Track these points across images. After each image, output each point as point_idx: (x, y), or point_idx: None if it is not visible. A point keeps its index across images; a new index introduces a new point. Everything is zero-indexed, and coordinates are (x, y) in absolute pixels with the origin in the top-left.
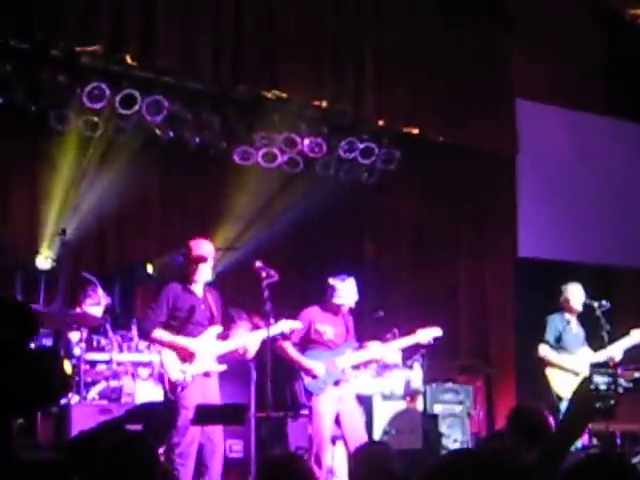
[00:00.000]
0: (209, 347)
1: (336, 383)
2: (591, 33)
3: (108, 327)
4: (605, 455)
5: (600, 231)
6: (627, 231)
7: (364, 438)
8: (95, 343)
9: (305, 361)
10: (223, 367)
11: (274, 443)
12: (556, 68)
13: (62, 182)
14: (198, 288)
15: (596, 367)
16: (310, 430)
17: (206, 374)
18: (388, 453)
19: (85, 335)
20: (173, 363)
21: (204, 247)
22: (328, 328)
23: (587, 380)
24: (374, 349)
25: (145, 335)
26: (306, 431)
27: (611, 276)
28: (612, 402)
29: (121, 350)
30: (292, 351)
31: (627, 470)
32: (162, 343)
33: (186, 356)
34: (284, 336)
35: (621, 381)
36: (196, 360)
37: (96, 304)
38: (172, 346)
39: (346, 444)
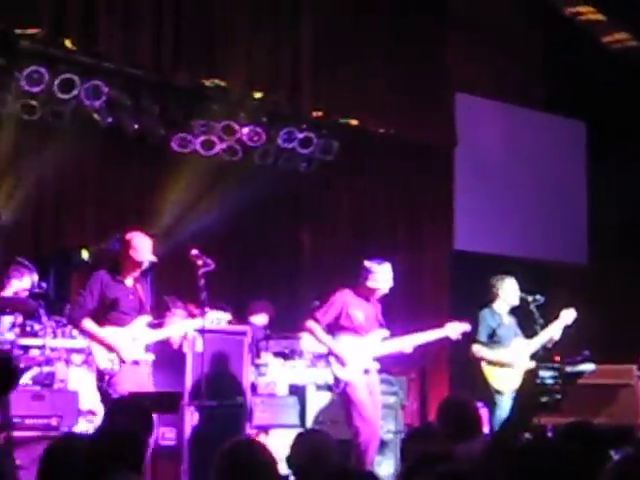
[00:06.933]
0: (137, 336)
1: (366, 372)
2: (531, 30)
3: (42, 312)
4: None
5: (535, 226)
6: (562, 227)
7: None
8: (29, 328)
9: (335, 347)
10: (151, 356)
11: (207, 432)
12: (496, 64)
13: None
14: (128, 279)
15: (542, 362)
16: (355, 421)
17: (135, 362)
18: (328, 441)
19: (19, 320)
20: (101, 351)
21: (144, 250)
22: (359, 313)
23: (533, 374)
24: (396, 342)
25: (74, 324)
26: (242, 422)
27: (545, 271)
28: (558, 396)
29: (55, 336)
30: (321, 334)
31: None
32: (89, 334)
33: (109, 348)
34: (314, 317)
35: (567, 368)
36: (118, 352)
37: (24, 289)
38: (96, 339)
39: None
